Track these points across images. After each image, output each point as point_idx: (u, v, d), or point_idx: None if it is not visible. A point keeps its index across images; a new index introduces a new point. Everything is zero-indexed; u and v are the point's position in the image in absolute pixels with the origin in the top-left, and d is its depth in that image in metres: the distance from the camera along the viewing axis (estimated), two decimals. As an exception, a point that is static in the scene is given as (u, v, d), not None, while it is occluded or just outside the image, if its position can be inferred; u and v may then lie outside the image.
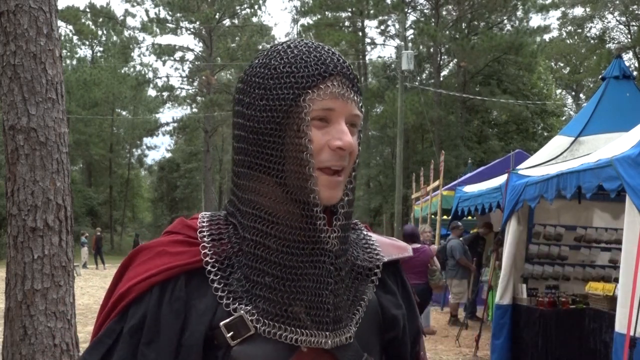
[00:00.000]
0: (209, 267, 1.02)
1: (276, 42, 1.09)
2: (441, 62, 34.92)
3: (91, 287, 17.30)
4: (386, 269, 1.15)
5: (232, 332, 0.98)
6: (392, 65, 34.28)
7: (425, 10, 35.42)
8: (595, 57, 35.20)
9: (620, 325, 4.59)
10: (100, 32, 43.90)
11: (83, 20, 42.17)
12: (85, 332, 9.05)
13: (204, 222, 1.09)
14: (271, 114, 1.00)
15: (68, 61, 40.56)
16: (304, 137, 0.99)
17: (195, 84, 42.19)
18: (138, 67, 42.12)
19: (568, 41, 39.76)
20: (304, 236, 1.01)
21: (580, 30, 38.30)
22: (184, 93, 42.97)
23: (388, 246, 1.20)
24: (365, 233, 1.20)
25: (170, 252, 1.04)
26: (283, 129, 1.00)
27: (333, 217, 1.04)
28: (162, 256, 1.03)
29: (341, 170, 1.03)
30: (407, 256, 1.21)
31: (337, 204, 1.04)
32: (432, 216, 13.46)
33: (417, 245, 7.45)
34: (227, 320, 0.98)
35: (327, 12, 35.18)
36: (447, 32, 32.46)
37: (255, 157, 1.03)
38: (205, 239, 1.05)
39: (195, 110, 42.06)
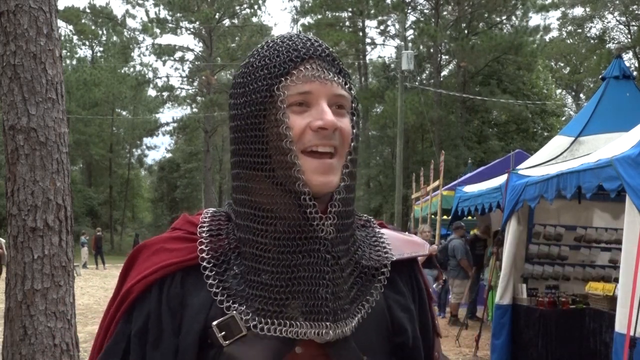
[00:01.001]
0: (204, 263, 1.01)
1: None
2: (441, 62, 34.91)
3: (91, 287, 17.28)
4: (398, 267, 1.11)
5: (224, 332, 0.97)
6: (392, 65, 34.27)
7: (425, 10, 35.43)
8: (595, 57, 35.16)
9: (620, 325, 4.59)
10: (100, 32, 43.89)
11: (83, 21, 42.15)
12: (85, 332, 9.05)
13: (206, 217, 1.09)
14: (250, 108, 1.00)
15: (68, 61, 40.57)
16: (281, 125, 0.97)
17: (195, 84, 42.19)
18: (138, 67, 42.20)
19: (568, 41, 39.73)
20: (296, 226, 0.98)
21: (580, 30, 38.27)
22: (184, 93, 43.02)
23: (402, 243, 1.15)
24: (377, 230, 1.16)
25: (168, 249, 1.04)
26: (262, 121, 0.99)
27: (330, 204, 1.01)
28: (160, 254, 1.03)
29: (333, 153, 1.00)
30: (420, 254, 1.16)
31: (333, 190, 1.01)
32: (432, 216, 13.46)
33: None
34: (219, 320, 0.97)
35: (327, 12, 35.18)
36: (447, 32, 32.45)
37: (244, 154, 1.02)
38: (203, 234, 1.05)
39: (195, 110, 42.07)
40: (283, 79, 0.98)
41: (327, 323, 0.97)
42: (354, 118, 1.05)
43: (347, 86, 1.02)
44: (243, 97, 1.02)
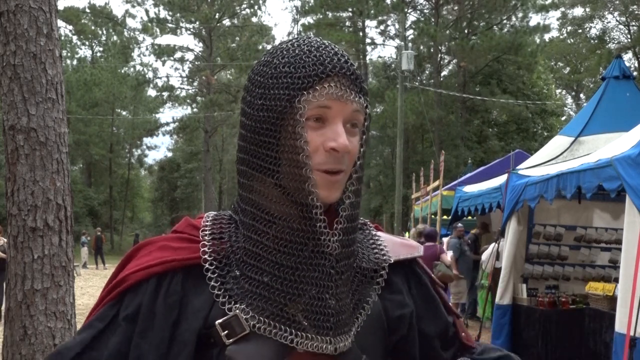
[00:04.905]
0: (207, 265, 1.02)
1: (280, 41, 1.08)
2: (441, 62, 34.90)
3: (91, 287, 17.28)
4: (394, 268, 1.13)
5: (227, 331, 0.97)
6: (392, 65, 34.26)
7: (425, 10, 35.41)
8: (595, 57, 35.15)
9: (620, 325, 4.60)
10: (100, 32, 43.89)
11: (83, 21, 42.14)
12: (85, 332, 9.04)
13: (207, 221, 1.10)
14: (267, 114, 1.00)
15: (68, 61, 40.53)
16: (299, 139, 0.97)
17: (195, 84, 42.17)
18: (138, 67, 42.14)
19: (568, 41, 39.72)
20: (303, 237, 0.99)
21: (580, 30, 38.26)
22: (184, 93, 42.98)
23: (398, 246, 1.18)
24: (373, 233, 1.18)
25: (172, 247, 1.05)
26: (278, 129, 0.99)
27: (334, 219, 1.02)
28: (164, 250, 1.05)
29: (340, 172, 1.00)
30: (416, 256, 1.18)
31: (338, 207, 1.03)
32: (432, 216, 13.45)
33: (430, 244, 8.04)
34: (222, 319, 0.98)
35: (327, 12, 35.16)
36: (447, 32, 32.44)
37: (253, 156, 1.02)
38: (206, 237, 1.06)
39: (195, 110, 42.03)
40: (305, 93, 0.97)
41: (329, 338, 0.99)
42: (364, 136, 1.05)
43: (364, 104, 1.02)
44: (261, 99, 1.01)
